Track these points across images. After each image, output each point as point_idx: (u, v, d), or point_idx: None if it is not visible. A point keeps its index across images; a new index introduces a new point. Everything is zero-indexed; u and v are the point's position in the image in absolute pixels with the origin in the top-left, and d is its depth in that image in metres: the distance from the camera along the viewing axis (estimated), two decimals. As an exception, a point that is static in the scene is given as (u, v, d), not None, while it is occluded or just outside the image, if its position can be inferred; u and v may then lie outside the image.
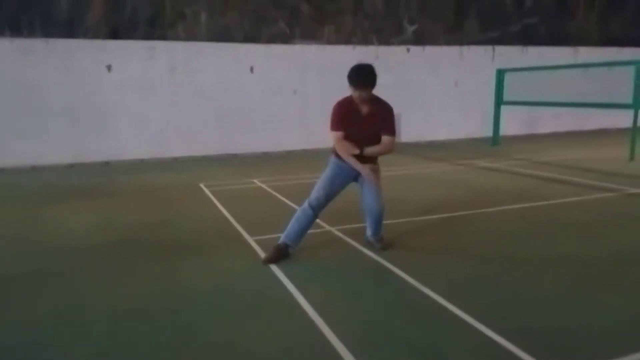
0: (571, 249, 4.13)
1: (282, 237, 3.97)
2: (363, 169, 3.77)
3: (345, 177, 3.93)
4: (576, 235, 4.49)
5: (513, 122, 12.46)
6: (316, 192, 3.91)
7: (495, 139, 11.21)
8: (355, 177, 3.92)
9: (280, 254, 3.91)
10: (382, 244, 4.12)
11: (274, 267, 3.78)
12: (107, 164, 9.59)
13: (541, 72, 10.79)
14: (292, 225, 3.95)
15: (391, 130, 3.81)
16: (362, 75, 3.68)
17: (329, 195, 3.91)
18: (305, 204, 3.93)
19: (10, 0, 9.00)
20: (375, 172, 3.87)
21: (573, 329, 2.79)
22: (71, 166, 9.33)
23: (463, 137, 12.53)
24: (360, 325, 2.89)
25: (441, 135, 12.42)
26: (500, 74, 11.04)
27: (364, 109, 3.79)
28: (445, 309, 3.02)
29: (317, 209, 3.91)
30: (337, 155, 3.89)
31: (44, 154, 9.32)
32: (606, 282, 3.42)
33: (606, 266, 3.74)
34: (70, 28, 9.43)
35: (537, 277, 3.54)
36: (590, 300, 3.15)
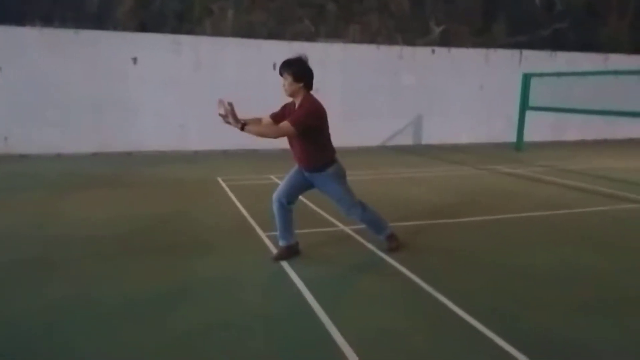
0: (591, 260, 4.00)
1: (280, 241, 3.91)
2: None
3: (299, 179, 3.81)
4: (597, 247, 4.35)
5: (539, 128, 12.20)
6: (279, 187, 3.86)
7: (519, 145, 10.98)
8: (310, 183, 3.80)
9: (291, 252, 3.90)
10: (391, 244, 4.05)
11: (284, 264, 3.75)
12: (129, 154, 9.72)
13: (569, 78, 10.52)
14: (277, 223, 3.88)
15: (292, 119, 3.47)
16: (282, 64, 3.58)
17: (285, 190, 3.79)
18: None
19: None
20: (233, 117, 3.37)
21: (592, 345, 2.69)
22: (94, 155, 9.48)
23: (486, 142, 12.33)
24: (367, 328, 2.84)
25: (464, 138, 12.23)
26: (527, 78, 10.81)
27: (295, 105, 3.65)
28: (460, 318, 2.94)
29: (281, 200, 3.81)
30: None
31: (68, 143, 9.51)
32: (626, 298, 3.30)
33: (626, 281, 3.60)
34: (101, 20, 9.59)
35: (556, 289, 3.43)
36: (609, 316, 3.03)
